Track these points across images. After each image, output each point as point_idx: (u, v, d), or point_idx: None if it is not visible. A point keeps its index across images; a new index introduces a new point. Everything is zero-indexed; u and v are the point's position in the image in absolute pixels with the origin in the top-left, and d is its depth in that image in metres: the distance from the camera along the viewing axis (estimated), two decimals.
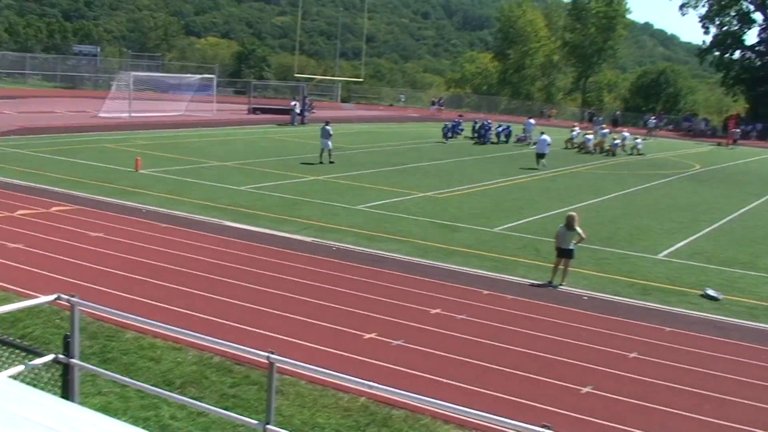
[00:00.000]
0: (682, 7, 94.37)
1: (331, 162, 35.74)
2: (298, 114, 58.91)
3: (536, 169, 38.65)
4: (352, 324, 13.62)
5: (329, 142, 36.27)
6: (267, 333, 12.85)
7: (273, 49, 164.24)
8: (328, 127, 36.38)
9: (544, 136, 40.01)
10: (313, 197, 26.42)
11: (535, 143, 42.89)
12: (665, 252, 21.17)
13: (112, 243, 18.21)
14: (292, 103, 60.36)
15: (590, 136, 51.61)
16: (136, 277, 15.55)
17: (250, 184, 28.32)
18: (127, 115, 51.89)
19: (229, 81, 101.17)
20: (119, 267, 16.14)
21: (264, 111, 66.31)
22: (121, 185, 26.40)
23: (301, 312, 14.05)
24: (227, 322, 13.22)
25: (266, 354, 5.81)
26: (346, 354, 12.21)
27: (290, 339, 12.65)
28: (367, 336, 13.11)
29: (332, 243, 19.73)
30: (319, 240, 20.05)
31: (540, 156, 39.88)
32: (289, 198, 26.02)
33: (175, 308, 13.80)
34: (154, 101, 57.77)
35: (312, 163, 35.49)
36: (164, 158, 34.26)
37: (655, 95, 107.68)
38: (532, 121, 55.56)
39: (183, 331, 7.18)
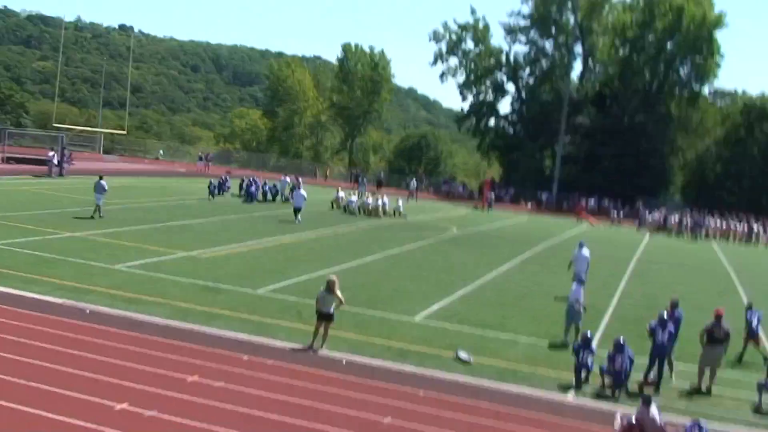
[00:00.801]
0: (442, 75, 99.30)
1: (100, 217, 34.96)
2: (56, 165, 56.31)
3: (293, 223, 39.88)
4: (103, 393, 13.03)
5: (101, 197, 35.53)
6: (9, 405, 12.02)
7: (33, 95, 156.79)
8: (102, 182, 35.75)
9: (300, 191, 43.03)
10: (68, 255, 25.20)
11: (286, 199, 45.03)
12: (422, 314, 21.88)
13: None
14: (50, 153, 57.58)
15: (354, 198, 52.83)
16: None
17: None
18: None
19: None
20: None
21: (19, 161, 62.83)
22: None
23: (48, 381, 13.28)
24: None
25: None
26: (93, 427, 11.64)
27: (34, 411, 11.92)
28: (119, 407, 12.57)
29: (87, 305, 18.87)
30: (72, 302, 19.11)
31: (297, 210, 42.10)
32: (43, 256, 24.67)
33: None
34: None
35: (83, 218, 34.56)
36: None
37: (418, 158, 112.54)
38: (286, 178, 56.03)
39: None
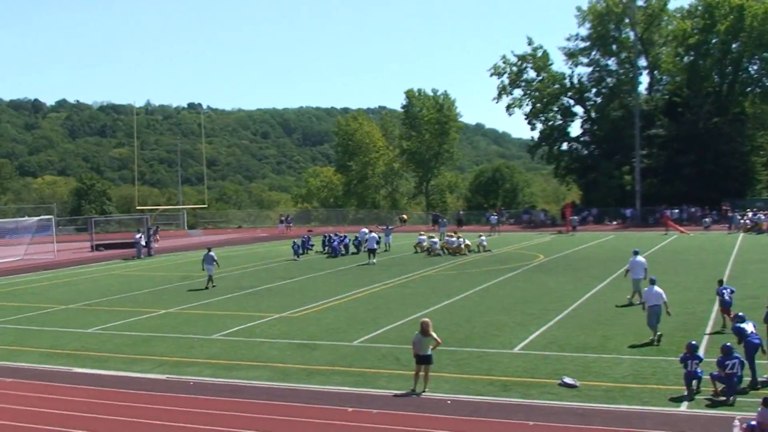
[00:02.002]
0: (508, 107, 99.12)
1: (213, 286, 36.82)
2: (144, 246, 57.78)
3: (380, 273, 40.37)
4: None
5: (212, 267, 37.23)
6: None
7: (113, 181, 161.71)
8: (211, 253, 37.70)
9: (373, 234, 48.47)
10: (165, 332, 25.70)
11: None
12: (520, 345, 21.60)
13: None
14: (137, 235, 59.14)
15: (436, 239, 52.80)
16: None
17: (97, 326, 27.32)
18: None
19: (70, 219, 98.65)
20: None
21: (107, 246, 64.73)
22: None
23: None
24: None
25: None
26: None
27: None
28: None
29: (189, 378, 19.15)
30: (174, 376, 19.42)
31: (371, 251, 46.62)
32: (140, 335, 25.21)
33: None
34: None
35: (199, 289, 36.37)
36: (3, 308, 32.84)
37: (494, 192, 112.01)
38: (364, 230, 56.22)
39: None
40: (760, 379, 16.65)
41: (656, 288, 21.69)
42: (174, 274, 44.20)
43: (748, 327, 17.23)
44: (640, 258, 28.16)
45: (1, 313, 31.09)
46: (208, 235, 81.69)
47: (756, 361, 16.75)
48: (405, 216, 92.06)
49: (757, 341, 16.83)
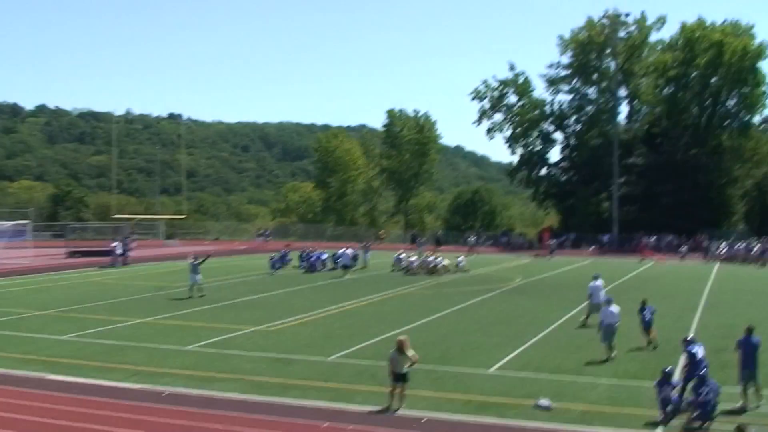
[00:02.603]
0: (488, 131, 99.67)
1: (201, 296, 37.13)
2: (120, 255, 57.41)
3: (358, 289, 40.12)
4: None
5: (198, 276, 37.71)
6: None
7: (90, 188, 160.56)
8: (196, 262, 38.09)
9: (347, 251, 51.23)
10: (140, 341, 25.51)
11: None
12: (497, 365, 21.64)
13: None
14: (113, 244, 58.76)
15: (413, 258, 52.86)
16: None
17: (72, 332, 27.08)
18: None
19: (47, 224, 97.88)
20: None
21: (84, 254, 64.25)
22: None
23: None
24: None
25: None
26: None
27: None
28: None
29: (162, 388, 19.01)
30: (148, 386, 19.28)
31: (345, 267, 49.70)
32: (115, 344, 25.00)
33: None
34: None
35: (181, 299, 36.57)
36: None
37: (473, 213, 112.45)
38: (346, 251, 56.02)
39: None
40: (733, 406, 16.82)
41: (612, 307, 23.44)
42: (150, 284, 43.93)
43: (700, 351, 17.54)
44: (599, 282, 29.58)
45: None
46: (185, 246, 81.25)
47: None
48: (382, 233, 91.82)
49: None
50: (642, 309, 24.98)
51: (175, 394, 18.58)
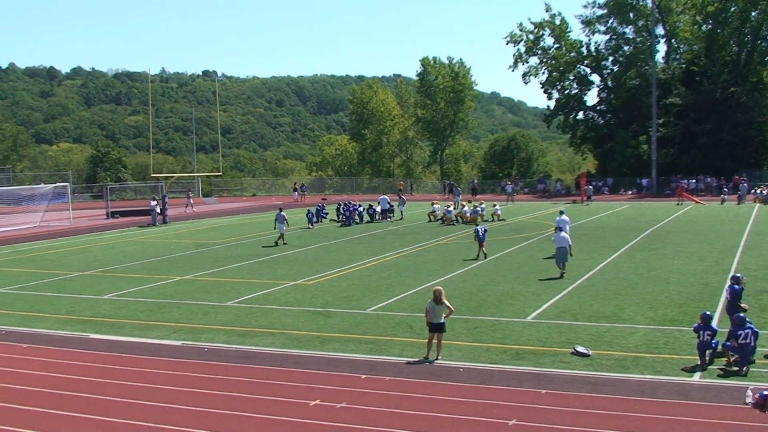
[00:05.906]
0: (524, 76, 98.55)
1: (284, 243, 40.50)
2: (159, 213, 57.96)
3: (394, 242, 39.68)
4: (229, 427, 13.25)
5: (284, 226, 41.32)
6: None
7: (128, 149, 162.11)
8: (282, 213, 42.02)
9: (384, 196, 54.79)
10: (180, 298, 25.86)
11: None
12: (533, 314, 21.61)
13: None
14: (152, 203, 59.30)
15: (451, 208, 52.72)
16: None
17: (113, 292, 27.51)
18: None
19: (86, 186, 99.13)
20: None
21: (123, 214, 65.02)
22: None
23: (175, 421, 13.59)
24: None
25: None
26: None
27: None
28: None
29: (203, 344, 19.30)
30: (189, 343, 19.57)
31: (383, 213, 53.84)
32: (156, 302, 25.37)
33: None
34: (6, 215, 55.79)
35: (271, 246, 39.47)
36: (21, 274, 33.05)
37: (509, 161, 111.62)
38: (385, 197, 56.30)
39: None
40: None
41: (563, 233, 28.28)
42: (189, 242, 44.41)
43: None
44: (565, 216, 33.09)
45: (18, 280, 31.35)
46: (223, 203, 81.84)
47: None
48: (400, 184, 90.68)
49: None
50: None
51: (215, 349, 18.84)
